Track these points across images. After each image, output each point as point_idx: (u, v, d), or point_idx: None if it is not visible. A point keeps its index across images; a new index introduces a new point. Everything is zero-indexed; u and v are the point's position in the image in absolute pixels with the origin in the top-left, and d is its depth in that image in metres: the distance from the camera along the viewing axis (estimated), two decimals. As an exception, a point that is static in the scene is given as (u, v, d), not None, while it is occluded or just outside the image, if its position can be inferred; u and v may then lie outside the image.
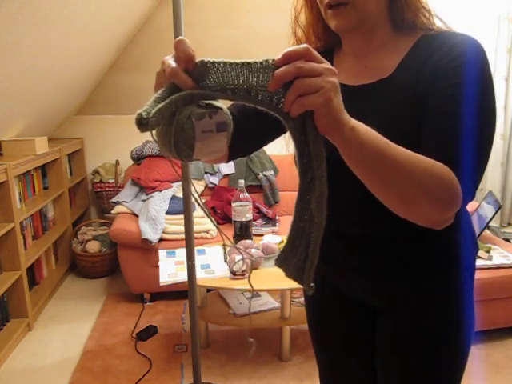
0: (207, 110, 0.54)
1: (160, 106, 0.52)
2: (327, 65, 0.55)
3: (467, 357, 0.92)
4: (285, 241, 0.64)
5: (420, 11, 0.81)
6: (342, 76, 0.81)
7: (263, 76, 0.54)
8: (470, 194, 0.70)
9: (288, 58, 0.54)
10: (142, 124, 0.52)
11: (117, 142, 3.61)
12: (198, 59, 0.55)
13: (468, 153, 0.70)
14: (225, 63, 0.54)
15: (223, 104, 0.57)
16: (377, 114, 0.78)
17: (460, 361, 0.91)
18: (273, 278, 2.05)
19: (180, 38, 0.55)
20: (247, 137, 0.90)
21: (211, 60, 0.54)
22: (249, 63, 0.54)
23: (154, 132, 0.55)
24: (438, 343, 0.88)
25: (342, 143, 0.60)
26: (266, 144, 0.99)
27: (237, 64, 0.54)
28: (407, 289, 0.88)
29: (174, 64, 0.55)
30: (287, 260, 0.64)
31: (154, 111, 0.52)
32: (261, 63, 0.54)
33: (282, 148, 2.43)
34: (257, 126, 0.90)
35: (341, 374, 1.07)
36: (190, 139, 0.53)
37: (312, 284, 0.63)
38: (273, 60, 0.54)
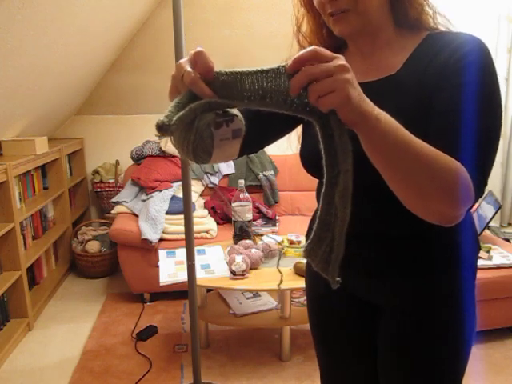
0: (224, 119, 0.57)
1: (180, 114, 0.55)
2: (338, 61, 0.55)
3: (468, 356, 0.92)
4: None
5: (424, 9, 0.82)
6: None
7: (276, 81, 0.57)
8: (478, 192, 0.70)
9: (298, 64, 0.55)
10: (163, 129, 0.56)
11: (117, 142, 3.61)
12: (215, 70, 0.57)
13: (475, 151, 0.70)
14: (241, 73, 0.57)
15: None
16: (382, 110, 0.79)
17: (461, 361, 0.91)
18: (273, 278, 2.05)
19: (198, 49, 0.57)
20: (256, 135, 0.91)
21: (229, 71, 0.57)
22: (263, 71, 0.57)
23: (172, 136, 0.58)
24: (439, 343, 0.88)
25: (365, 133, 0.60)
26: (273, 142, 1.00)
27: (252, 72, 0.57)
28: (409, 287, 0.89)
29: (192, 71, 0.57)
30: (314, 252, 0.65)
31: (174, 119, 0.55)
32: (273, 70, 0.56)
33: (281, 148, 2.44)
34: (266, 125, 0.92)
35: (342, 373, 1.07)
36: (208, 147, 0.57)
37: (338, 278, 0.64)
38: (283, 66, 0.56)
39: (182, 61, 0.59)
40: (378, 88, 0.82)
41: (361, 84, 0.83)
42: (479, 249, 0.95)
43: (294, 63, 0.55)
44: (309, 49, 0.55)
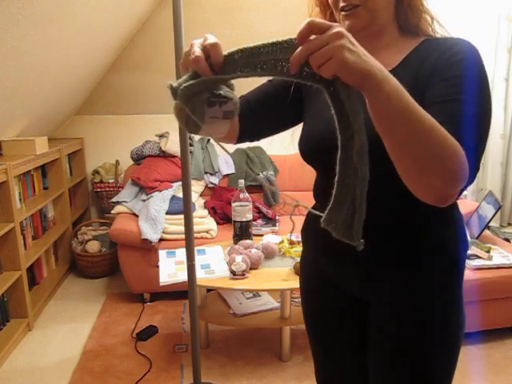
0: (218, 100, 0.63)
1: (187, 84, 0.61)
2: (333, 29, 0.59)
3: (458, 353, 0.93)
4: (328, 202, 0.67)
5: (422, 15, 0.89)
6: None
7: (288, 51, 0.62)
8: (472, 176, 0.73)
9: (301, 39, 0.60)
10: (172, 92, 0.62)
11: (117, 142, 3.61)
12: (229, 51, 0.63)
13: (470, 137, 0.74)
14: (257, 46, 0.63)
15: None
16: None
17: (450, 357, 0.92)
18: (273, 277, 2.06)
19: (213, 41, 0.64)
20: (258, 123, 0.99)
21: (245, 47, 0.63)
22: (278, 42, 0.62)
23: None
24: (426, 337, 0.90)
25: (370, 93, 0.63)
26: (274, 133, 1.05)
27: (268, 44, 0.62)
28: (396, 280, 0.91)
29: (198, 52, 0.62)
30: (335, 218, 0.67)
31: (182, 87, 0.61)
32: (286, 41, 0.62)
33: (282, 148, 2.45)
34: (269, 114, 0.98)
35: (335, 367, 1.08)
36: (197, 122, 0.63)
37: (362, 240, 0.66)
38: (295, 39, 0.61)
39: (196, 41, 0.65)
40: None
41: None
42: (467, 246, 0.96)
43: (299, 38, 0.60)
44: (305, 22, 0.59)
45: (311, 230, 1.04)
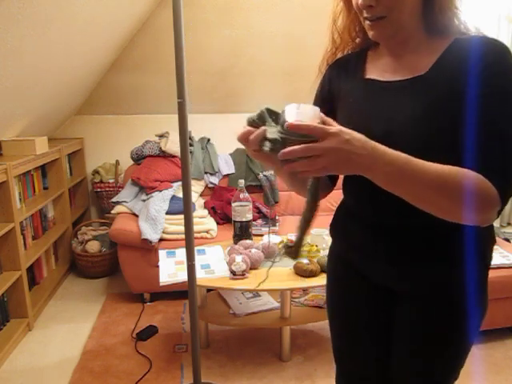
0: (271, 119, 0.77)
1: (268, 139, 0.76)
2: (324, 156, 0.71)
3: (471, 344, 0.96)
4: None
5: (454, 16, 0.88)
6: (376, 72, 0.93)
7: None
8: (503, 195, 0.75)
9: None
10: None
11: (117, 142, 3.61)
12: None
13: (494, 157, 0.76)
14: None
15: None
16: (409, 109, 0.85)
17: (466, 346, 0.96)
18: (273, 277, 2.05)
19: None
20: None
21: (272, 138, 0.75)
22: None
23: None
24: (448, 329, 0.93)
25: (366, 173, 0.74)
26: None
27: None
28: (425, 275, 0.93)
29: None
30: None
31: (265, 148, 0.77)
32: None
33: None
34: None
35: (356, 361, 1.10)
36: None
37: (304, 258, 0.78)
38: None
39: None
40: (406, 86, 0.88)
41: (389, 82, 0.91)
42: (494, 242, 0.97)
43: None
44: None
45: (341, 226, 1.07)
